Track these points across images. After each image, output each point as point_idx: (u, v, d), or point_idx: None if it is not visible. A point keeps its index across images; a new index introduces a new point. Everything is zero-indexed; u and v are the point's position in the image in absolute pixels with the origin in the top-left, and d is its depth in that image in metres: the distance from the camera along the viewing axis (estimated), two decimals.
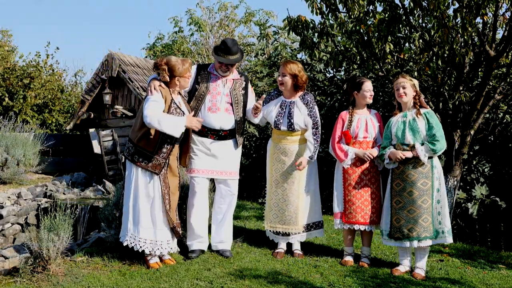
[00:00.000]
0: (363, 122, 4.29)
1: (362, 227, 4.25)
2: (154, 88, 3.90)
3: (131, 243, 3.95)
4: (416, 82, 4.15)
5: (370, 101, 4.33)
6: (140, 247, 3.93)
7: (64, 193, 8.82)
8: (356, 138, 4.27)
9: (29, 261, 3.81)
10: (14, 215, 7.46)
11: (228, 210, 4.45)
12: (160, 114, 3.82)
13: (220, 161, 4.33)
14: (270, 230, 4.56)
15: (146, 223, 3.96)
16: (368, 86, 4.32)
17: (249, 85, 4.52)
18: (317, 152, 4.41)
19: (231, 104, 4.33)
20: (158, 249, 3.99)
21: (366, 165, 4.26)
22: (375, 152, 4.23)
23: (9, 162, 9.10)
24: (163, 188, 4.00)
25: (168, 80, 3.96)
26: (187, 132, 4.13)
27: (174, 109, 3.96)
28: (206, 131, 4.30)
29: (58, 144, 11.86)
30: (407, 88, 4.07)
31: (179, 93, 4.16)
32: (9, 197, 8.23)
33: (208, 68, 4.40)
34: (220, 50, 4.25)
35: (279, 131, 4.44)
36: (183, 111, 4.02)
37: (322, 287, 3.69)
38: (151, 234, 3.97)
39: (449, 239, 4.01)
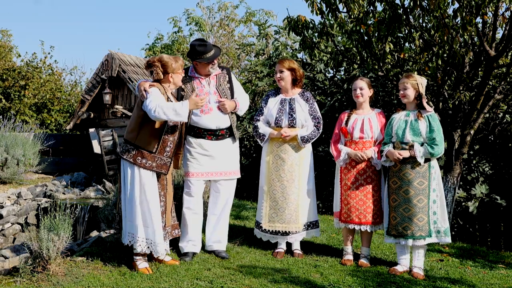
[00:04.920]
0: (359, 122, 4.28)
1: (356, 227, 4.24)
2: (146, 89, 3.82)
3: (130, 241, 3.88)
4: (421, 81, 4.09)
5: (357, 100, 4.31)
6: (139, 245, 3.84)
7: (64, 193, 8.81)
8: (351, 138, 4.27)
9: (29, 261, 3.80)
10: (14, 215, 7.46)
11: (224, 210, 4.41)
12: (164, 104, 3.74)
13: (218, 162, 4.28)
14: (267, 230, 4.49)
15: (145, 222, 3.87)
16: (355, 84, 4.33)
17: (232, 76, 4.45)
18: (310, 139, 4.36)
19: None
20: (153, 249, 3.88)
21: (362, 165, 4.23)
22: (369, 153, 4.20)
23: (9, 162, 9.10)
24: (160, 189, 3.96)
25: (162, 77, 3.91)
26: (180, 133, 4.07)
27: None
28: (203, 132, 4.24)
29: (58, 144, 11.87)
30: (408, 89, 4.08)
31: (171, 93, 4.10)
32: (9, 197, 8.24)
33: (188, 72, 4.32)
34: (196, 55, 4.18)
35: (280, 129, 4.44)
36: None
37: (322, 287, 3.69)
38: (149, 233, 3.88)
39: (447, 239, 4.02)
